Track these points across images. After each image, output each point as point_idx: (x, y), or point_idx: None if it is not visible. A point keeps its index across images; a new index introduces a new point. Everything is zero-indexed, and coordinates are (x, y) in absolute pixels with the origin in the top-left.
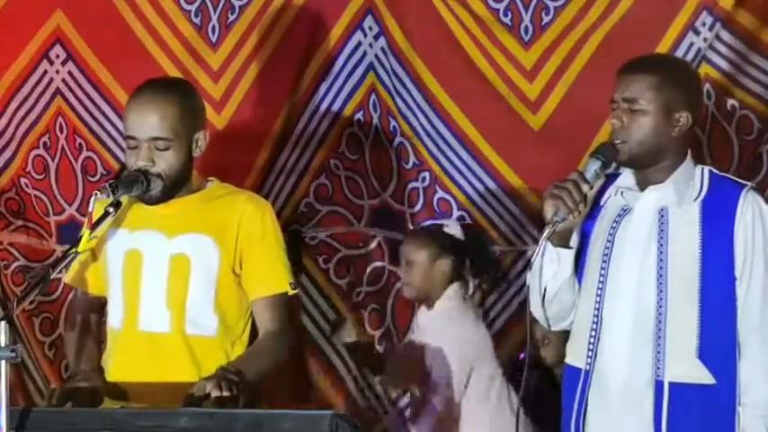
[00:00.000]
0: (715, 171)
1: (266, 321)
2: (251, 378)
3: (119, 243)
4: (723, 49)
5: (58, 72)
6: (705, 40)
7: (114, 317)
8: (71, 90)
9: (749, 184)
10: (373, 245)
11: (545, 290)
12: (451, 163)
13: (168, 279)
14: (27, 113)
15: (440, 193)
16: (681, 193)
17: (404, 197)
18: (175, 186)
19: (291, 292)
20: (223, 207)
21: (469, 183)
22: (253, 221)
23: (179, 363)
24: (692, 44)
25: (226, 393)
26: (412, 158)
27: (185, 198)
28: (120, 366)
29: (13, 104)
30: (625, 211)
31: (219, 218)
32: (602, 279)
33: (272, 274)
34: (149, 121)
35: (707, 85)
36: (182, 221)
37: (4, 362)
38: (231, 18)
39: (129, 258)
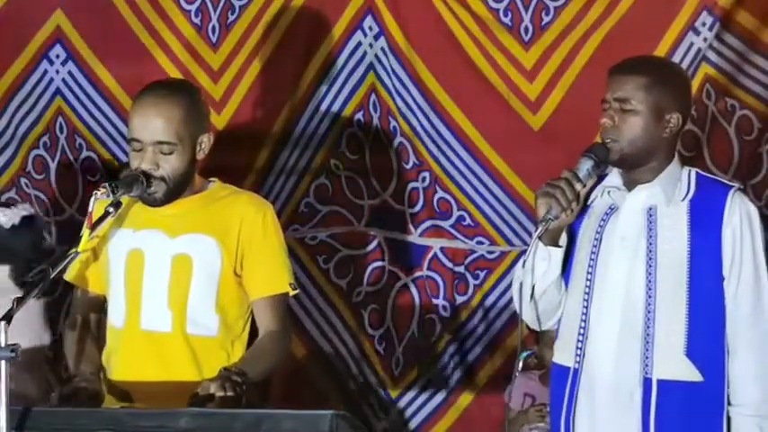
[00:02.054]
0: (701, 172)
1: (267, 321)
2: (254, 378)
3: (121, 242)
4: (723, 49)
5: (58, 72)
6: (705, 40)
7: (116, 316)
8: (71, 90)
9: (736, 185)
10: (373, 245)
11: (533, 288)
12: (451, 163)
13: (170, 279)
14: (27, 113)
15: (440, 193)
16: (668, 193)
17: (404, 197)
18: (178, 189)
19: (292, 293)
20: (225, 208)
21: (469, 183)
22: (254, 222)
23: (180, 362)
24: (691, 44)
25: (230, 393)
26: (412, 158)
27: (188, 199)
28: (122, 365)
29: (13, 104)
30: (612, 210)
31: (221, 219)
32: (589, 278)
33: (272, 275)
34: (154, 125)
35: (707, 86)
36: (184, 222)
37: (4, 362)
38: (231, 18)
39: (131, 258)
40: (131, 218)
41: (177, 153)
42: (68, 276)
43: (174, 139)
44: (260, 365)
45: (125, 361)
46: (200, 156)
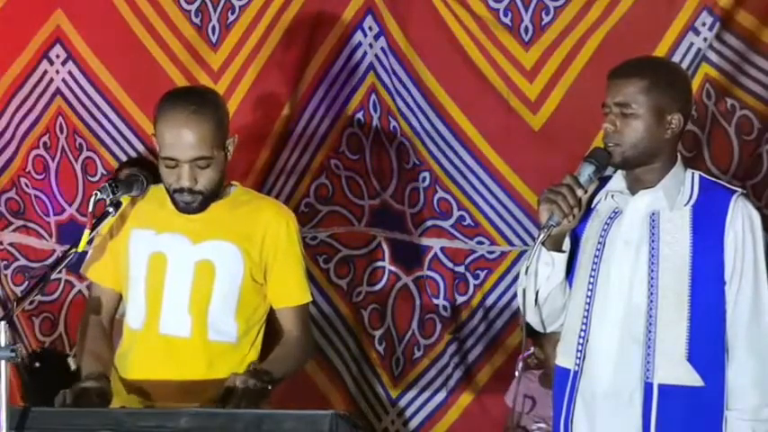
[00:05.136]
0: (705, 176)
1: (291, 327)
2: (278, 377)
3: (143, 244)
4: (723, 49)
5: (58, 72)
6: (705, 40)
7: (135, 317)
8: (71, 90)
9: (739, 189)
10: (373, 245)
11: (537, 293)
12: (451, 163)
13: (192, 285)
14: (27, 113)
15: (440, 193)
16: (671, 198)
17: (404, 197)
18: (214, 196)
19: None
20: (248, 215)
21: (469, 183)
22: (278, 233)
23: (196, 367)
24: (691, 44)
25: (251, 383)
26: (412, 158)
27: (212, 204)
28: (136, 367)
29: (13, 104)
30: (616, 213)
31: (244, 226)
32: (591, 281)
33: (298, 286)
34: (189, 143)
35: (707, 85)
36: (207, 228)
37: (3, 362)
38: (231, 18)
39: (153, 261)
40: (152, 218)
41: (213, 165)
42: (83, 270)
43: (209, 153)
44: (282, 367)
45: (139, 363)
46: (228, 158)
